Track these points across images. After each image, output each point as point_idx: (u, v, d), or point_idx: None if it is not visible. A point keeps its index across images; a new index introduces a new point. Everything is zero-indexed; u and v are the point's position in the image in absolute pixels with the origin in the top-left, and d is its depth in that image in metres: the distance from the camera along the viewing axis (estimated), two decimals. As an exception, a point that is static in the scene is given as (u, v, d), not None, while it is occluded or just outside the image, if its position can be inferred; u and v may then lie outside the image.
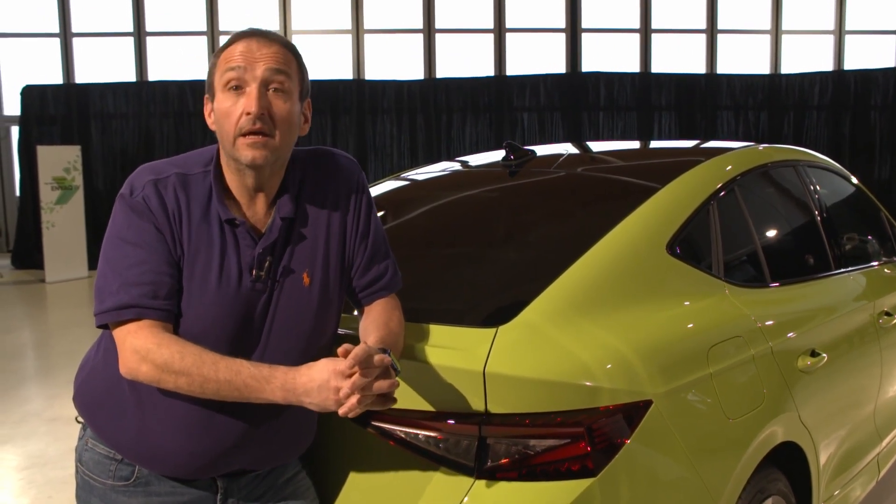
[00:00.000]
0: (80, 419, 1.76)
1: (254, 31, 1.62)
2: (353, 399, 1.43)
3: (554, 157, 2.95)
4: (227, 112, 1.57)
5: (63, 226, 10.84)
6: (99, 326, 1.59)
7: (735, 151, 2.70)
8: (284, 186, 1.67)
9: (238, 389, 1.48)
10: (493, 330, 1.69)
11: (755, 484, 2.04)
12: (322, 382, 1.45)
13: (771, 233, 2.77)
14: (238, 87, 1.57)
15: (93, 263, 10.47)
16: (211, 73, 1.63)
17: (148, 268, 1.53)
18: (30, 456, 4.36)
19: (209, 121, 1.65)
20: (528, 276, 2.04)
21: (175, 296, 1.55)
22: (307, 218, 1.67)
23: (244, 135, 1.55)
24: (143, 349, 1.49)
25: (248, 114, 1.54)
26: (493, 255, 2.26)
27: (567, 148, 3.24)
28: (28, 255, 12.12)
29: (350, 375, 1.43)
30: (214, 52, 1.65)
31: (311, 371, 1.47)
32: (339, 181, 1.74)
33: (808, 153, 3.17)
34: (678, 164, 2.59)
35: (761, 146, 2.89)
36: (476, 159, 3.25)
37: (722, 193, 2.38)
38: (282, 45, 1.61)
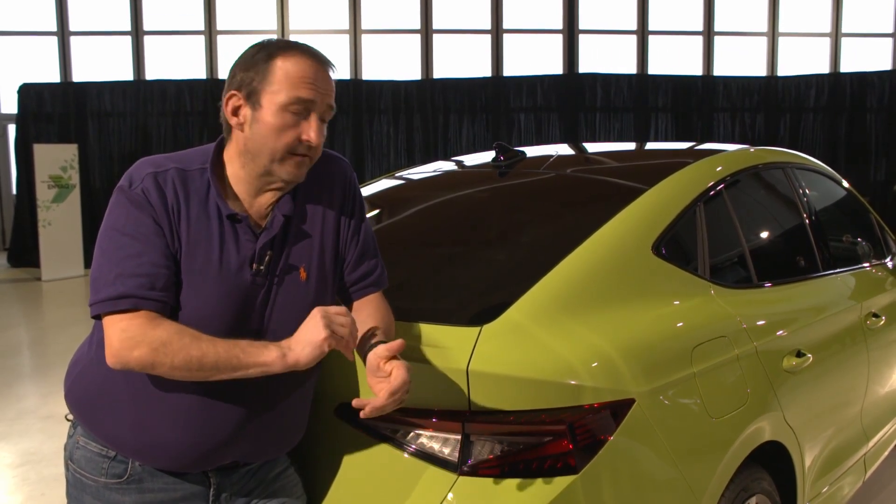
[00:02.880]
0: (70, 417, 1.77)
1: (315, 53, 1.63)
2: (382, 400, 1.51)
3: (544, 158, 2.97)
4: (282, 131, 1.59)
5: (59, 224, 10.85)
6: (94, 317, 1.59)
7: (724, 153, 2.72)
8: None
9: (236, 356, 1.51)
10: (478, 329, 1.72)
11: (739, 482, 2.06)
12: (314, 324, 1.55)
13: (758, 234, 2.79)
14: (298, 112, 1.59)
15: (89, 262, 10.42)
16: (264, 80, 1.59)
17: (145, 259, 1.54)
18: (24, 453, 4.38)
19: (233, 120, 1.63)
20: (514, 276, 2.06)
21: (171, 289, 1.56)
22: (305, 215, 1.71)
23: (297, 155, 1.61)
24: (140, 333, 1.49)
25: (311, 144, 1.60)
26: (480, 255, 2.28)
27: (558, 149, 3.26)
28: (24, 253, 12.11)
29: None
30: (266, 54, 1.60)
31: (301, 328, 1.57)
32: (333, 180, 1.78)
33: (799, 156, 3.19)
34: (666, 165, 2.61)
35: (752, 148, 2.91)
36: (467, 160, 3.27)
37: (709, 195, 2.40)
38: (333, 77, 1.65)
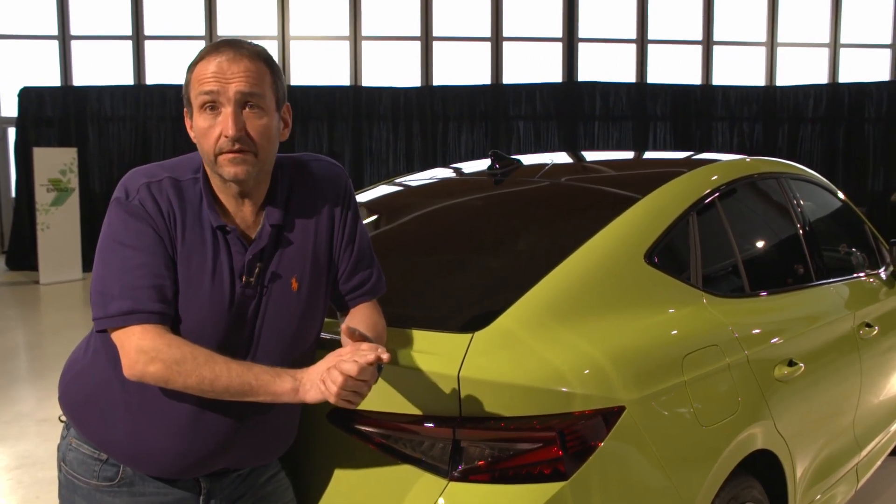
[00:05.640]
0: (64, 419, 1.78)
1: (223, 45, 1.59)
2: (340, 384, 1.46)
3: (539, 167, 2.98)
4: (206, 132, 1.58)
5: (58, 228, 10.84)
6: (99, 331, 1.60)
7: (718, 163, 2.74)
8: (272, 193, 1.69)
9: (248, 383, 1.50)
10: (469, 335, 1.73)
11: (729, 490, 2.07)
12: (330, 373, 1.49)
13: (751, 243, 2.80)
14: (213, 108, 1.57)
15: (87, 266, 10.47)
16: (186, 88, 1.62)
17: (149, 271, 1.54)
18: (19, 456, 4.37)
19: (191, 133, 1.65)
20: (506, 284, 2.07)
21: (174, 299, 1.57)
22: (295, 225, 1.70)
23: (224, 153, 1.57)
24: (153, 349, 1.50)
25: (227, 136, 1.55)
26: (473, 262, 2.29)
27: (553, 157, 3.28)
28: (23, 256, 12.10)
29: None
30: (188, 66, 1.63)
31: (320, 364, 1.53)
32: (327, 188, 1.77)
33: (794, 166, 3.21)
34: (660, 174, 2.63)
35: (748, 158, 2.93)
36: (463, 167, 3.29)
37: (703, 204, 2.41)
38: (253, 59, 1.59)
